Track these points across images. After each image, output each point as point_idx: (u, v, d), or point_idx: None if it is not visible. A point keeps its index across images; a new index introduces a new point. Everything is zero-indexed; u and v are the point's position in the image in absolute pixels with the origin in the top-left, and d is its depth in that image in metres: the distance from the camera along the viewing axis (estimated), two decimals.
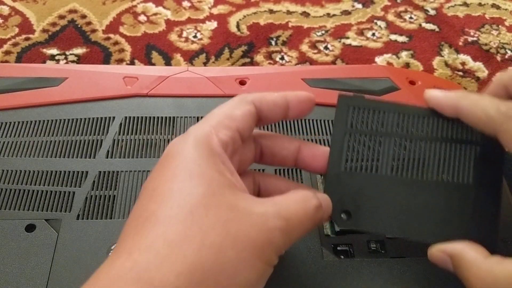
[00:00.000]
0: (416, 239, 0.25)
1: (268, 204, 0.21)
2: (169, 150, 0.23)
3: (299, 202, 0.22)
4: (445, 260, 0.25)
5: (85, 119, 0.35)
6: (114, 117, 0.35)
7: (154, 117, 0.35)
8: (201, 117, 0.35)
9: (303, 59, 0.47)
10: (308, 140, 0.35)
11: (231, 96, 0.37)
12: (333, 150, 0.25)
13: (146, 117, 0.35)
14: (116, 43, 0.48)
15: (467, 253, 0.24)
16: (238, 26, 0.51)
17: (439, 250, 0.25)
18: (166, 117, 0.35)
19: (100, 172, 0.32)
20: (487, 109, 0.24)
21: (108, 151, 0.33)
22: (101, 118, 0.35)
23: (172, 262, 0.19)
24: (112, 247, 0.28)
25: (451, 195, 0.25)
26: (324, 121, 0.36)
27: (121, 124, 0.35)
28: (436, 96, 0.26)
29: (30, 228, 0.28)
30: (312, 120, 0.36)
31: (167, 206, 0.20)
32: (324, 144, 0.34)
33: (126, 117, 0.35)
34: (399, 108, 0.26)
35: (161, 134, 0.34)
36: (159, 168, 0.22)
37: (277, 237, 0.21)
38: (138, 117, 0.35)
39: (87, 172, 0.32)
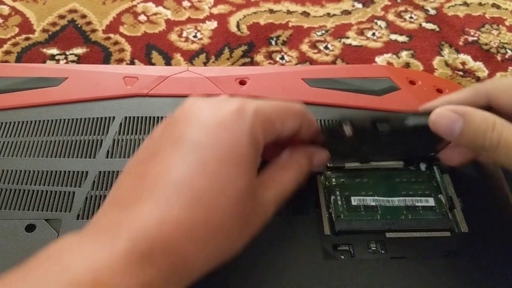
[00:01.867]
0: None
1: (271, 193, 0.25)
2: (229, 110, 0.23)
3: (294, 180, 0.26)
4: (455, 119, 0.24)
5: (85, 119, 0.35)
6: (114, 117, 0.35)
7: (154, 117, 0.35)
8: None
9: (303, 59, 0.47)
10: None
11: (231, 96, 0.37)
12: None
13: (146, 117, 0.35)
14: (116, 43, 0.48)
15: (477, 111, 0.25)
16: (238, 26, 0.51)
17: (451, 110, 0.25)
18: (166, 117, 0.35)
19: (100, 172, 0.32)
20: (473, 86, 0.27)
21: (108, 151, 0.33)
22: (101, 118, 0.35)
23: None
24: None
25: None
26: (323, 120, 0.36)
27: (121, 124, 0.35)
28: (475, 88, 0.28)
29: (30, 228, 0.28)
30: None
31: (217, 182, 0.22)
32: None
33: (126, 117, 0.35)
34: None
35: None
36: (209, 121, 0.23)
37: (271, 212, 0.25)
38: (138, 117, 0.35)
39: (87, 172, 0.32)
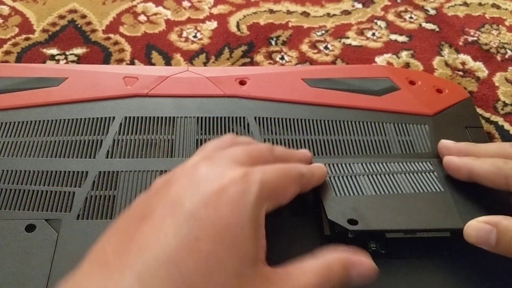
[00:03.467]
0: (419, 227, 0.28)
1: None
2: (228, 187, 0.22)
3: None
4: (488, 230, 0.26)
5: (85, 119, 0.35)
6: (114, 117, 0.35)
7: (154, 117, 0.35)
8: (201, 117, 0.36)
9: (303, 59, 0.47)
10: (306, 140, 0.35)
11: (231, 96, 0.37)
12: (322, 186, 0.30)
13: (146, 117, 0.35)
14: (116, 43, 0.48)
15: (506, 219, 0.26)
16: (238, 26, 0.51)
17: (484, 221, 0.26)
18: (166, 117, 0.35)
19: (100, 172, 0.32)
20: (496, 163, 0.28)
21: (108, 151, 0.33)
22: (101, 118, 0.35)
23: None
24: None
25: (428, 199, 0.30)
26: (323, 121, 0.36)
27: (121, 124, 0.35)
28: (452, 161, 0.31)
29: (30, 228, 0.28)
30: (312, 120, 0.36)
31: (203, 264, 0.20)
32: (322, 144, 0.34)
33: (126, 117, 0.35)
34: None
35: (161, 134, 0.34)
36: (206, 196, 0.21)
37: None
38: (138, 117, 0.35)
39: (87, 172, 0.32)
